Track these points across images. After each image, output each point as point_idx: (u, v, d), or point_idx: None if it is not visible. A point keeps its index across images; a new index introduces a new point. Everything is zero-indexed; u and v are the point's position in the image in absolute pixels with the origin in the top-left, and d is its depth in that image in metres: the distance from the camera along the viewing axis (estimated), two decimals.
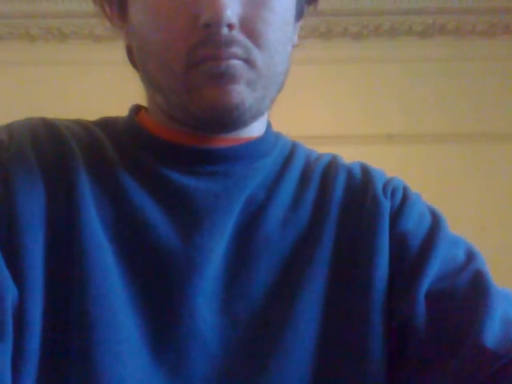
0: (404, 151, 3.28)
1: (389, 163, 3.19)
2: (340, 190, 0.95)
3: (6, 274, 0.77)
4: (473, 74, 3.37)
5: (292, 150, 1.01)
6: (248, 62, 0.83)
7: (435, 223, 0.94)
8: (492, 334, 0.80)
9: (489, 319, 0.82)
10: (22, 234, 0.79)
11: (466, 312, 0.84)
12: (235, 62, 0.81)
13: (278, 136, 1.02)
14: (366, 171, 0.99)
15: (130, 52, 0.96)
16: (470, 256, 0.91)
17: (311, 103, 3.30)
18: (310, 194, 0.94)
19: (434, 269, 0.88)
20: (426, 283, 0.87)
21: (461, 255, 0.91)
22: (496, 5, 3.35)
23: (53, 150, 0.88)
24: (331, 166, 0.99)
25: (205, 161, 0.91)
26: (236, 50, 0.81)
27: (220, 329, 0.83)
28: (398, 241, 0.91)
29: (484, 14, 3.37)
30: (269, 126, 1.01)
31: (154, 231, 0.85)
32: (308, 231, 0.91)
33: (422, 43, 3.43)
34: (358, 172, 0.99)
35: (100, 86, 3.23)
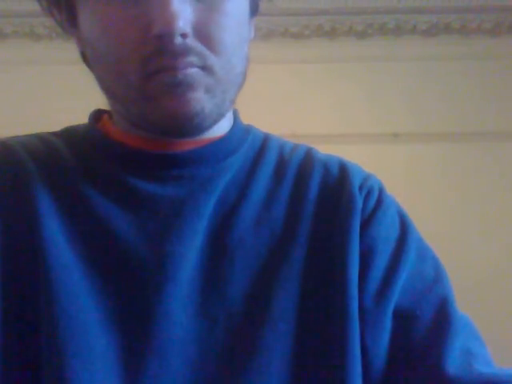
0: (410, 150, 3.27)
1: (395, 162, 3.22)
2: (316, 188, 0.94)
3: None
4: (478, 72, 3.37)
5: (264, 143, 1.00)
6: (205, 68, 0.81)
7: (404, 233, 0.94)
8: (452, 362, 0.83)
9: (449, 348, 0.84)
10: None
11: (428, 339, 0.86)
12: (192, 71, 0.80)
13: (247, 130, 1.01)
14: (342, 167, 0.98)
15: (84, 56, 0.94)
16: (436, 276, 0.92)
17: (316, 102, 3.29)
18: (285, 192, 0.93)
19: (401, 284, 0.89)
20: (393, 300, 0.88)
21: (427, 273, 0.92)
22: (501, 3, 3.34)
23: (7, 174, 0.87)
24: (307, 161, 0.98)
25: (169, 166, 0.90)
26: (192, 58, 0.80)
27: (198, 332, 0.83)
28: (367, 246, 0.90)
29: (489, 12, 3.36)
30: (237, 121, 0.99)
31: (122, 243, 0.84)
32: (282, 230, 0.90)
33: (426, 42, 3.42)
34: (334, 168, 0.98)
35: None
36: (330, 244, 0.89)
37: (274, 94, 3.16)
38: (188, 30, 0.78)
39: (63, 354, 0.77)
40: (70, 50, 2.92)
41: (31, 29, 3.38)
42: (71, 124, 1.00)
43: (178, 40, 0.78)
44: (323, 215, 0.92)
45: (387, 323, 0.87)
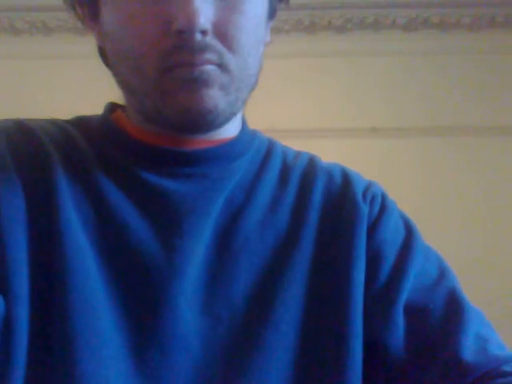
0: (389, 144, 3.29)
1: (373, 156, 3.23)
2: (319, 194, 0.96)
3: None
4: (457, 67, 3.39)
5: (269, 149, 1.01)
6: (221, 66, 0.83)
7: (409, 235, 0.95)
8: (468, 348, 0.84)
9: (464, 335, 0.86)
10: (3, 242, 0.80)
11: (442, 328, 0.88)
12: (208, 68, 0.81)
13: (253, 134, 1.02)
14: (345, 175, 1.00)
15: (102, 52, 0.96)
16: (442, 272, 0.94)
17: (296, 97, 3.30)
18: (289, 196, 0.95)
19: (410, 283, 0.90)
20: (403, 297, 0.89)
21: (433, 271, 0.94)
22: None
23: (29, 152, 0.88)
24: (310, 168, 1.00)
25: (182, 162, 0.91)
26: (209, 55, 0.81)
27: (201, 329, 0.84)
28: (375, 249, 0.92)
29: (468, 7, 3.37)
30: (244, 125, 1.01)
31: (134, 234, 0.85)
32: (287, 233, 0.92)
33: (406, 36, 3.44)
34: (337, 176, 0.99)
35: (84, 80, 3.22)
36: (333, 250, 0.91)
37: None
38: (208, 27, 0.80)
39: (75, 333, 0.78)
40: (48, 44, 2.90)
41: (11, 23, 3.37)
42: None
43: (198, 37, 0.79)
44: (327, 221, 0.93)
45: (400, 321, 0.88)
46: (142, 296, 0.83)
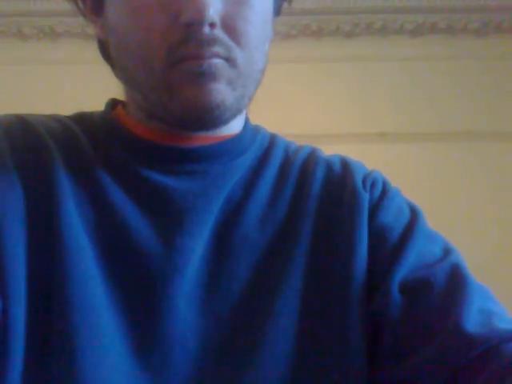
0: (397, 149, 3.28)
1: (382, 161, 3.20)
2: (318, 184, 0.95)
3: None
4: (465, 72, 3.38)
5: (270, 144, 1.00)
6: (229, 60, 0.82)
7: (413, 218, 0.94)
8: (471, 321, 0.82)
9: (467, 307, 0.83)
10: (1, 238, 0.79)
11: (444, 300, 0.85)
12: (216, 61, 0.80)
13: (256, 130, 1.02)
14: (345, 164, 0.99)
15: (102, 46, 0.95)
16: (447, 251, 0.92)
17: (303, 102, 3.30)
18: (288, 189, 0.94)
19: (410, 261, 0.89)
20: (400, 273, 0.87)
21: (437, 250, 0.92)
22: (488, 3, 3.36)
23: (28, 147, 0.87)
24: (310, 160, 0.99)
25: (183, 160, 0.90)
26: (218, 48, 0.80)
27: (201, 329, 0.83)
28: (376, 233, 0.91)
29: (476, 12, 3.37)
30: (247, 121, 1.00)
31: (135, 233, 0.84)
32: (286, 227, 0.91)
33: (413, 42, 3.44)
34: (337, 165, 0.98)
35: (92, 85, 3.22)
36: (333, 239, 0.90)
37: (261, 94, 3.16)
38: (216, 20, 0.79)
39: (76, 332, 0.78)
40: (56, 50, 2.89)
41: (18, 29, 3.38)
42: None
43: (206, 29, 0.78)
44: (326, 211, 0.92)
45: (397, 298, 0.86)
46: (141, 296, 0.82)
